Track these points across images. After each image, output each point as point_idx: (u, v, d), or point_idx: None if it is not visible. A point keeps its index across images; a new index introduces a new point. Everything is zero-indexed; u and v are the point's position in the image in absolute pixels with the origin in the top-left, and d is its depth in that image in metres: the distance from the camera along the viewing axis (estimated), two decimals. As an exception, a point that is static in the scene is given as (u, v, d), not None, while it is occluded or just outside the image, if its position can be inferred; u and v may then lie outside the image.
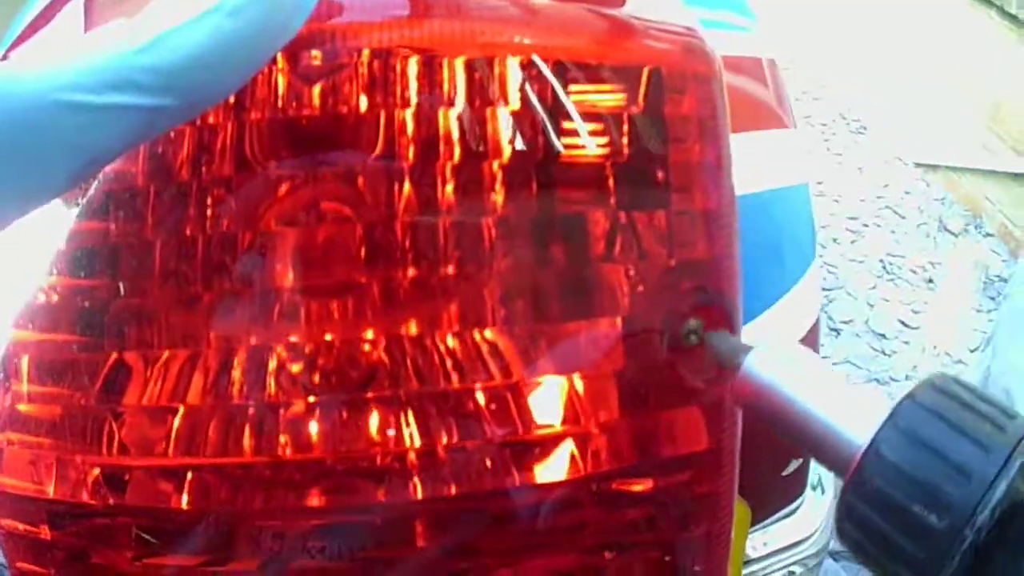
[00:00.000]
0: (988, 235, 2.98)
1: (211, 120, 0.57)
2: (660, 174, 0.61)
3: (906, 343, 2.55)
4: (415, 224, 0.58)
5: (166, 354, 0.58)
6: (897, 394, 0.48)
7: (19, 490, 0.61)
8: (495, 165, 0.58)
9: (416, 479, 0.59)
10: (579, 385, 0.60)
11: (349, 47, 0.57)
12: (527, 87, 0.58)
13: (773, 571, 1.01)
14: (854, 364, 2.49)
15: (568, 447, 0.61)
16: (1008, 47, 3.14)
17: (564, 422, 0.61)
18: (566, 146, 0.59)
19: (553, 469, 0.61)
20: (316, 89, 0.57)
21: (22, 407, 0.60)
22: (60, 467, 0.60)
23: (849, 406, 0.50)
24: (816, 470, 1.05)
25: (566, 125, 0.59)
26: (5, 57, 0.71)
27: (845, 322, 2.62)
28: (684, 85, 0.61)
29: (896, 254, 2.87)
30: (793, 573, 1.03)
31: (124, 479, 0.60)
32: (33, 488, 0.61)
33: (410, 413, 0.58)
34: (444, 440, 0.59)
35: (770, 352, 0.55)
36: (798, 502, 1.03)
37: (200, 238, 0.57)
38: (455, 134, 0.58)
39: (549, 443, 0.61)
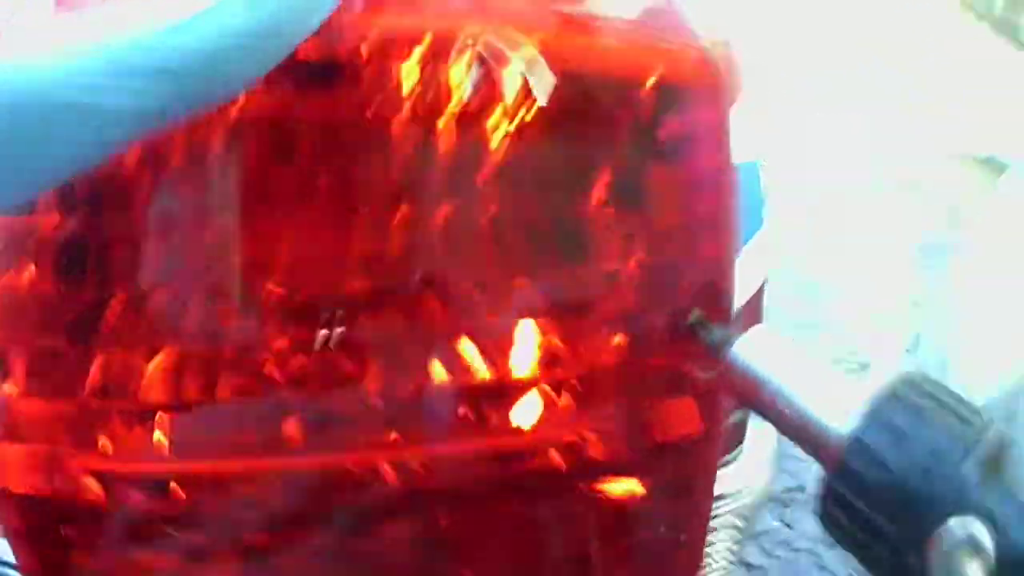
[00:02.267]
0: (920, 195, 3.02)
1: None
2: (666, 179, 0.61)
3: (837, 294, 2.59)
4: (404, 228, 0.57)
5: (159, 354, 0.57)
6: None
7: (18, 488, 0.60)
8: (493, 162, 0.58)
9: (398, 482, 0.59)
10: (575, 384, 0.61)
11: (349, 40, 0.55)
12: (530, 90, 0.57)
13: (712, 520, 1.03)
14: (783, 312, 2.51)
15: (560, 446, 0.62)
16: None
17: (554, 422, 0.61)
18: (565, 147, 0.59)
19: (542, 468, 0.62)
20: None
21: (15, 403, 0.58)
22: (51, 467, 0.59)
23: (831, 398, 0.51)
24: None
25: (567, 128, 0.59)
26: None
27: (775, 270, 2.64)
28: (690, 97, 0.61)
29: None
30: (726, 524, 1.05)
31: (111, 484, 0.59)
32: (29, 486, 0.59)
33: (396, 417, 0.58)
34: (430, 444, 0.59)
35: (755, 341, 0.56)
36: (735, 452, 1.05)
37: (194, 234, 0.56)
38: (444, 144, 0.57)
39: (536, 443, 0.61)
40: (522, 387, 0.60)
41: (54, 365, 0.58)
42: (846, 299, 2.60)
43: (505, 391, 0.59)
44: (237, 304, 0.56)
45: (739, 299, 0.93)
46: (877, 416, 0.48)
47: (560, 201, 0.60)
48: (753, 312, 0.94)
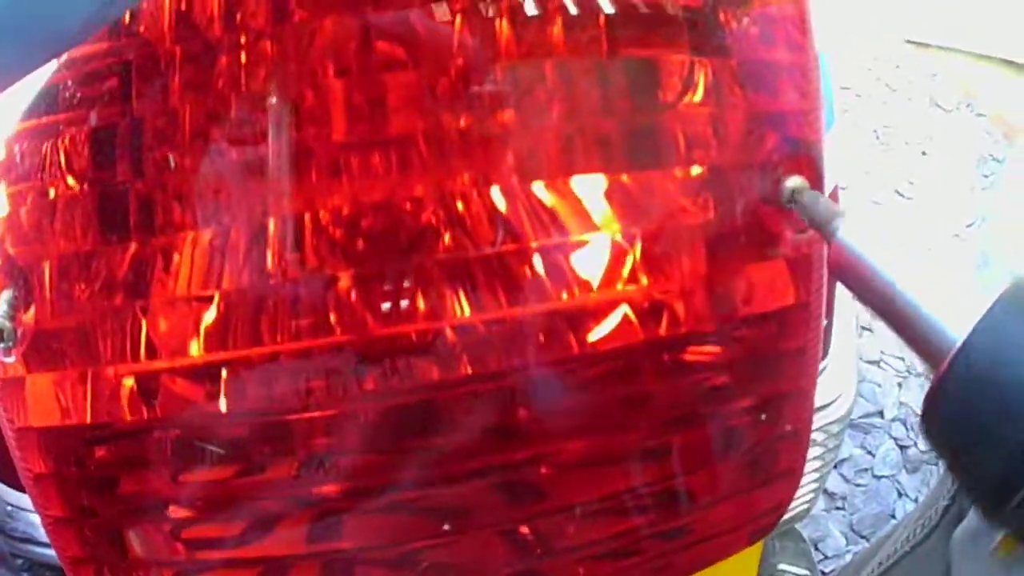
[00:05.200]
0: (980, 115, 2.95)
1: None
2: (743, 22, 0.57)
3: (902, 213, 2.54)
4: (470, 68, 0.52)
5: (191, 235, 0.52)
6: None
7: (45, 422, 0.56)
8: (558, 3, 0.53)
9: (465, 354, 0.54)
10: (654, 240, 0.56)
11: None
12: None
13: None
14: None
15: (639, 309, 0.56)
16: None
17: (632, 282, 0.56)
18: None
19: (620, 335, 0.56)
20: None
21: (44, 323, 0.54)
22: (85, 383, 0.54)
23: (943, 295, 0.47)
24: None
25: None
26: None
27: (841, 188, 2.60)
28: None
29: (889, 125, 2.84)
30: (816, 442, 1.00)
31: (156, 386, 0.54)
32: (59, 415, 0.55)
33: (461, 279, 0.53)
34: (496, 309, 0.54)
35: (863, 226, 0.51)
36: (822, 365, 1.00)
37: (232, 97, 0.51)
38: None
39: (612, 306, 0.56)
40: (595, 243, 0.55)
41: (85, 272, 0.53)
42: (910, 219, 2.55)
43: (577, 246, 0.54)
44: (284, 163, 0.51)
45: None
46: (991, 320, 0.44)
47: (630, 42, 0.55)
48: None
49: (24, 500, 0.84)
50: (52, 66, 0.53)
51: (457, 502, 0.59)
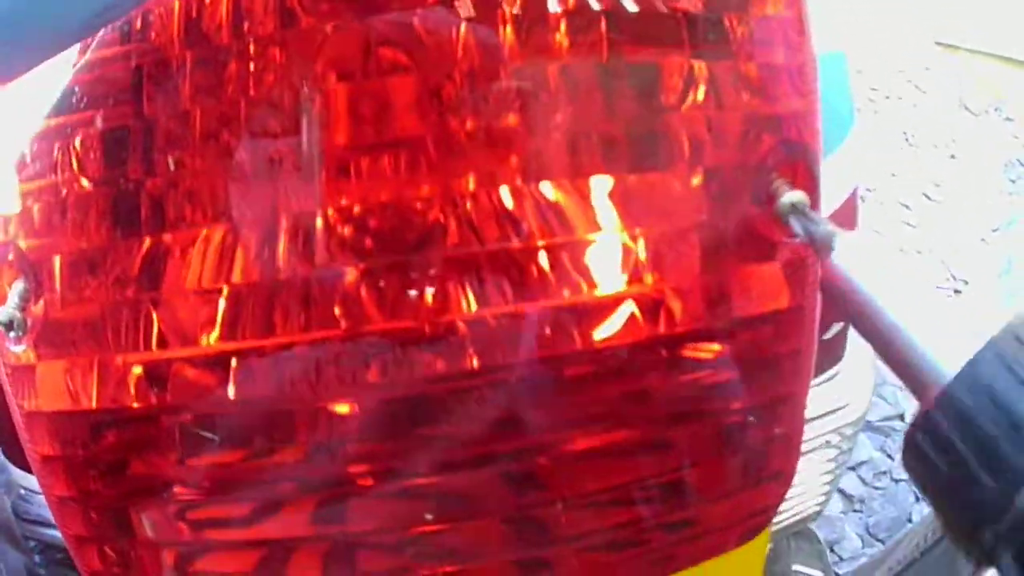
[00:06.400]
0: (1008, 119, 2.93)
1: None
2: (740, 25, 0.57)
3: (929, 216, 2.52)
4: (475, 72, 0.53)
5: (204, 231, 0.54)
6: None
7: (54, 407, 0.58)
8: (560, 9, 0.54)
9: (471, 348, 0.55)
10: (653, 240, 0.57)
11: None
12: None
13: (810, 439, 0.99)
14: (878, 232, 2.47)
15: (640, 307, 0.57)
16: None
17: (634, 280, 0.57)
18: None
19: (622, 332, 0.58)
20: None
21: (55, 314, 0.57)
22: (96, 370, 0.56)
23: (934, 329, 0.47)
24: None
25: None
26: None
27: (869, 190, 2.58)
28: None
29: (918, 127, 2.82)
30: (830, 443, 1.01)
31: (166, 374, 0.56)
32: (69, 401, 0.57)
33: (468, 275, 0.54)
34: (501, 305, 0.55)
35: (860, 247, 0.52)
36: (837, 368, 1.01)
37: (242, 101, 0.53)
38: None
39: (615, 304, 0.57)
40: (600, 241, 0.56)
41: (96, 265, 0.55)
42: (937, 222, 2.54)
43: (582, 245, 0.56)
44: (293, 164, 0.53)
45: (831, 206, 0.89)
46: (988, 361, 0.44)
47: (631, 46, 0.56)
48: (847, 221, 0.90)
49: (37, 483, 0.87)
50: (63, 69, 0.55)
51: (460, 490, 0.61)
